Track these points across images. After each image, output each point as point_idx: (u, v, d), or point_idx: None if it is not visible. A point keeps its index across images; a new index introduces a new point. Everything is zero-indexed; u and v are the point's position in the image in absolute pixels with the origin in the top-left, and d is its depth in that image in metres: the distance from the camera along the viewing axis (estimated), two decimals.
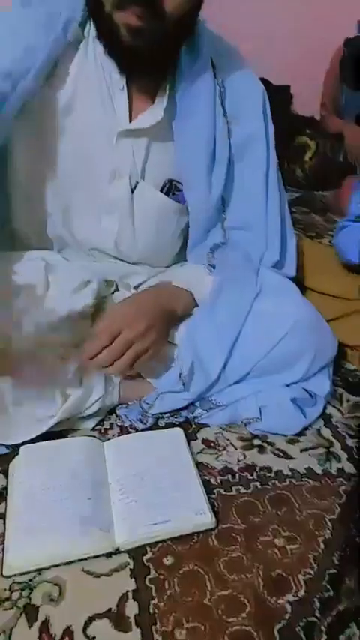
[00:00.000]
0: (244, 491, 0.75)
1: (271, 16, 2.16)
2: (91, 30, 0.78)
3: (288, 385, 0.86)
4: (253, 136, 0.86)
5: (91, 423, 0.84)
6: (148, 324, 0.77)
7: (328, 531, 0.70)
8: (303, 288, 1.10)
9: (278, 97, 2.16)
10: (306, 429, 0.87)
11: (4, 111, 0.73)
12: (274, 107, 2.21)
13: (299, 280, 1.09)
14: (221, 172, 0.84)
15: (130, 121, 0.81)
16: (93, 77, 0.79)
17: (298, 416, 0.85)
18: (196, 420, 0.86)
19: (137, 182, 0.85)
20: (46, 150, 0.82)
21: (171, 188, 0.87)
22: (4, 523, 0.67)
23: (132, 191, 0.85)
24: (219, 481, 0.77)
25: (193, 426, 0.86)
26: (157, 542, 0.67)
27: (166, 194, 0.87)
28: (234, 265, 0.88)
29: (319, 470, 0.80)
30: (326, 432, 0.87)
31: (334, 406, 0.93)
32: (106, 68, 0.77)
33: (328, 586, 0.63)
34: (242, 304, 0.83)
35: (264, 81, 2.27)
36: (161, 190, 0.87)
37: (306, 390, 0.87)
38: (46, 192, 0.86)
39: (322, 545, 0.68)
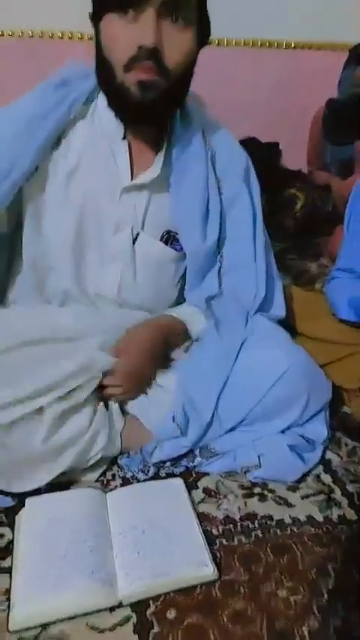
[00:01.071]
0: (246, 540, 0.76)
1: (259, 82, 2.31)
2: (96, 103, 0.89)
3: (284, 431, 0.88)
4: (239, 193, 0.95)
5: (94, 475, 0.85)
6: (143, 367, 0.87)
7: (331, 580, 0.70)
8: (295, 334, 1.13)
9: (268, 152, 2.27)
10: (306, 475, 0.88)
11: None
12: (264, 162, 2.32)
13: (291, 326, 1.12)
14: (215, 223, 0.93)
15: (132, 179, 0.89)
16: (98, 143, 0.89)
17: (297, 462, 0.86)
18: (196, 469, 0.87)
19: (138, 233, 0.93)
20: (53, 208, 0.90)
21: (169, 238, 0.94)
22: (10, 578, 0.67)
23: (133, 241, 0.93)
24: (220, 531, 0.77)
25: (194, 475, 0.87)
26: (159, 595, 0.67)
27: (165, 243, 0.94)
28: (225, 309, 0.94)
29: (320, 517, 0.80)
30: (326, 478, 0.88)
31: (333, 451, 0.94)
32: (110, 135, 0.88)
33: (334, 637, 0.63)
34: (231, 346, 0.87)
35: (254, 139, 2.40)
36: (160, 240, 0.94)
37: (303, 436, 0.88)
38: (55, 248, 0.92)
39: (326, 595, 0.68)
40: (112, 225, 0.91)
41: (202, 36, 0.82)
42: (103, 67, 0.81)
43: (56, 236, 0.92)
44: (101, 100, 0.88)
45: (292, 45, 2.31)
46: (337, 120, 1.90)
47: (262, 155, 2.17)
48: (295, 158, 2.28)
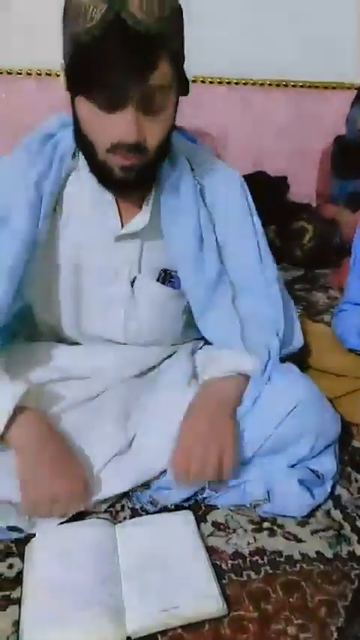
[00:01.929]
0: (255, 576, 0.75)
1: (268, 119, 2.38)
2: (79, 157, 0.88)
3: (293, 466, 0.88)
4: (236, 222, 0.96)
5: (103, 506, 0.85)
6: (218, 439, 0.82)
7: (341, 619, 0.69)
8: (306, 367, 1.13)
9: (276, 186, 2.33)
10: (315, 510, 0.88)
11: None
12: (273, 195, 2.37)
13: (302, 359, 1.13)
14: (212, 256, 0.93)
15: (122, 226, 0.90)
16: (85, 196, 0.89)
17: (306, 497, 0.86)
18: (205, 501, 0.87)
19: (135, 276, 0.94)
20: (51, 260, 0.92)
21: (166, 276, 0.96)
22: (19, 609, 0.68)
23: (132, 284, 0.94)
24: (229, 565, 0.77)
25: (203, 508, 0.87)
26: (167, 630, 0.66)
27: (163, 282, 0.96)
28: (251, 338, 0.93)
29: (329, 554, 0.80)
30: (336, 514, 0.88)
31: (342, 486, 0.93)
32: (96, 187, 0.87)
33: None
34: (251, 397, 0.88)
35: (263, 173, 2.46)
36: (157, 280, 0.95)
37: (312, 471, 0.88)
38: (58, 298, 0.95)
39: (335, 634, 0.67)
40: (108, 273, 0.93)
41: (181, 92, 0.80)
42: (83, 141, 0.80)
43: (53, 290, 0.94)
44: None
45: (300, 84, 2.38)
46: (346, 156, 1.95)
47: (271, 189, 2.23)
48: (303, 192, 2.34)
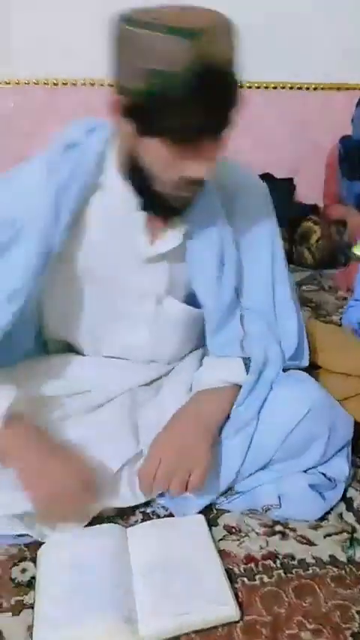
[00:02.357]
0: (268, 580, 0.75)
1: (274, 121, 2.37)
2: (105, 172, 0.83)
3: (306, 471, 0.88)
4: (257, 236, 0.92)
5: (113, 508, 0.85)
6: (190, 457, 0.80)
7: (356, 624, 0.68)
8: (316, 368, 1.13)
9: (283, 188, 2.32)
10: (328, 513, 0.87)
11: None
12: (280, 197, 2.36)
13: (313, 361, 1.12)
14: (229, 280, 0.90)
15: (151, 245, 0.87)
16: (113, 215, 0.85)
17: (318, 501, 0.86)
18: (216, 506, 0.87)
19: (162, 297, 0.92)
20: (74, 278, 0.89)
21: (192, 298, 0.93)
22: (33, 614, 0.68)
23: (158, 304, 0.92)
24: (242, 569, 0.77)
25: (215, 511, 0.87)
26: (180, 635, 0.66)
27: (188, 304, 0.93)
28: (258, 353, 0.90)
29: (342, 557, 0.79)
30: (349, 517, 0.87)
31: (355, 489, 0.93)
32: (125, 206, 0.82)
33: None
34: (256, 406, 0.87)
35: (269, 175, 2.45)
36: (184, 301, 0.93)
37: (324, 474, 0.88)
38: (80, 317, 0.93)
39: (350, 639, 0.66)
40: (136, 293, 0.91)
41: None
42: (139, 174, 0.76)
43: (75, 309, 0.91)
44: (110, 167, 0.82)
45: (305, 86, 2.38)
46: (352, 157, 1.94)
47: (277, 191, 2.22)
48: (310, 193, 2.33)
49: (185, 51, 0.62)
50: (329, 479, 0.88)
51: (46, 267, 0.82)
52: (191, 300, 0.93)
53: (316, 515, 0.86)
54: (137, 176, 0.77)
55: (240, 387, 0.89)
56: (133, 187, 0.80)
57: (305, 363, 0.98)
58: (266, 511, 0.86)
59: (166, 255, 0.88)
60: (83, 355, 1.00)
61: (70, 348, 1.00)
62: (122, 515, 0.85)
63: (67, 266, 0.87)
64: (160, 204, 0.79)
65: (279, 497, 0.85)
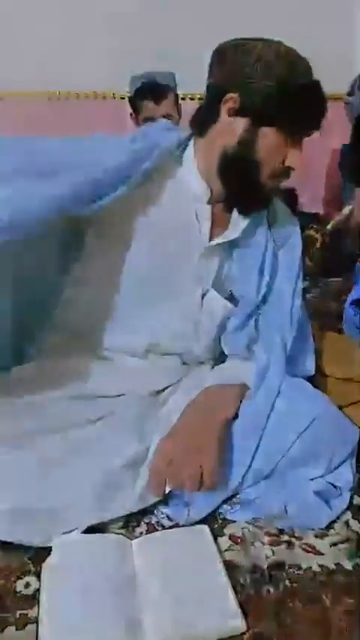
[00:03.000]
0: (274, 590, 0.74)
1: None
2: (181, 163, 0.94)
3: (312, 479, 0.87)
4: (287, 262, 1.02)
5: (119, 522, 0.85)
6: (200, 454, 0.82)
7: None
8: (320, 375, 1.13)
9: (285, 197, 2.33)
10: (334, 521, 0.87)
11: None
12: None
13: (318, 368, 1.13)
14: (265, 283, 0.99)
15: (210, 239, 0.96)
16: (182, 204, 0.95)
17: (324, 509, 0.85)
18: (221, 516, 0.87)
19: (208, 290, 0.99)
20: (126, 256, 0.94)
21: (232, 294, 1.00)
22: (37, 629, 0.67)
23: (202, 297, 0.99)
24: (248, 580, 0.76)
25: (220, 522, 0.86)
26: None
27: (229, 300, 1.00)
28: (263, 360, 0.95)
29: (349, 565, 0.78)
30: (355, 524, 0.86)
31: None
32: (196, 197, 0.94)
33: None
34: (264, 411, 0.88)
35: None
36: (225, 297, 1.00)
37: (329, 482, 0.87)
38: (118, 301, 0.97)
39: None
40: (186, 282, 0.97)
41: None
42: (248, 164, 0.89)
43: (114, 294, 0.96)
44: (188, 161, 0.94)
45: None
46: (353, 163, 1.95)
47: (280, 200, 2.24)
48: (312, 202, 2.34)
49: (297, 65, 0.87)
50: (334, 486, 0.88)
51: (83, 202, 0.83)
52: (236, 301, 1.00)
53: (323, 523, 0.85)
54: (246, 170, 0.89)
55: (248, 388, 0.92)
56: (226, 179, 0.91)
57: (311, 371, 1.01)
58: (272, 520, 0.85)
59: (221, 248, 0.97)
60: (86, 351, 1.01)
61: (72, 345, 1.01)
62: (127, 528, 0.85)
63: (116, 246, 0.93)
64: (253, 195, 0.92)
65: (285, 507, 0.85)
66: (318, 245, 2.15)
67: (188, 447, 0.82)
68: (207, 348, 1.04)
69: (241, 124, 0.87)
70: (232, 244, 0.98)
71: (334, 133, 2.07)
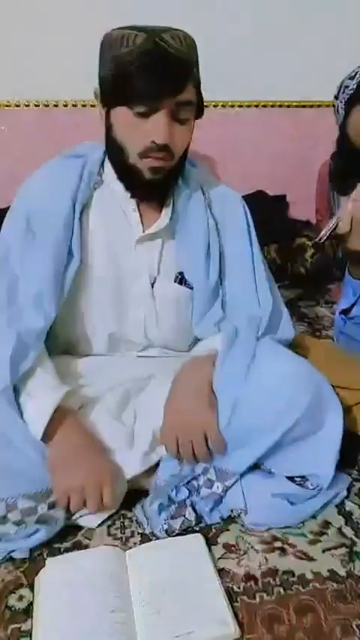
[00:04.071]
0: (268, 598, 0.75)
1: (266, 138, 2.42)
2: (104, 169, 1.00)
3: (290, 478, 0.89)
4: (235, 232, 1.05)
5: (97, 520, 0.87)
6: (201, 422, 0.87)
7: (356, 638, 0.68)
8: None
9: (276, 205, 2.35)
10: (327, 527, 0.87)
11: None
12: (273, 214, 2.38)
13: None
14: (215, 262, 1.02)
15: (144, 231, 1.00)
16: (110, 204, 1.00)
17: (286, 509, 0.87)
18: (197, 511, 0.87)
19: (155, 278, 1.02)
20: (84, 269, 0.98)
21: (182, 278, 1.03)
22: None
23: (152, 285, 1.02)
24: (242, 588, 0.76)
25: (214, 530, 0.87)
26: None
27: (179, 284, 1.03)
28: (233, 331, 0.97)
29: (342, 571, 0.79)
30: (347, 531, 0.87)
31: (354, 502, 0.93)
32: (120, 195, 0.98)
33: None
34: (240, 370, 0.90)
35: (262, 192, 2.48)
36: (175, 281, 1.03)
37: (302, 484, 0.89)
38: (83, 305, 1.01)
39: None
40: (130, 274, 1.01)
41: (198, 113, 0.93)
42: (115, 148, 0.91)
43: (79, 299, 1.00)
44: (108, 165, 0.99)
45: (295, 104, 2.43)
46: (341, 170, 1.97)
47: (270, 207, 2.25)
48: (303, 209, 2.36)
49: (140, 37, 0.83)
50: (309, 483, 0.89)
51: (66, 267, 0.95)
52: (190, 284, 1.03)
53: (287, 522, 0.87)
54: (114, 151, 0.92)
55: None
56: (115, 169, 0.95)
57: (290, 336, 1.04)
58: (237, 516, 0.87)
59: (158, 237, 1.01)
60: (75, 354, 1.06)
61: (64, 347, 1.06)
62: (121, 538, 0.85)
63: (74, 260, 0.96)
64: (137, 179, 0.92)
65: (245, 503, 0.86)
66: (310, 253, 2.16)
67: (189, 425, 0.87)
68: (175, 335, 1.07)
69: (103, 112, 0.92)
70: (172, 231, 1.01)
71: (330, 139, 2.10)
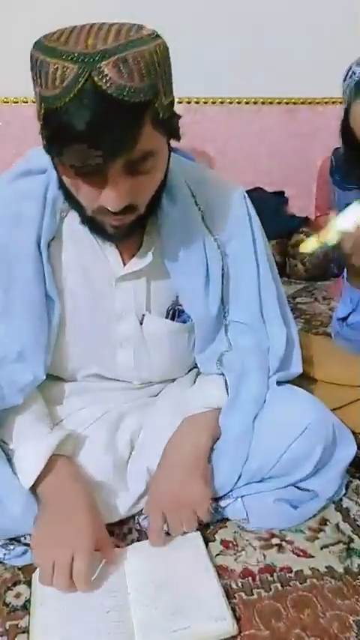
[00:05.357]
0: (265, 594, 0.75)
1: (263, 136, 2.41)
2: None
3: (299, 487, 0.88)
4: (239, 247, 0.91)
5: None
6: (190, 499, 0.81)
7: (354, 633, 0.68)
8: (311, 380, 1.14)
9: (274, 201, 2.35)
10: (324, 524, 0.87)
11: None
12: (272, 211, 2.38)
13: (306, 372, 1.13)
14: (215, 290, 0.90)
15: (125, 265, 0.86)
16: (84, 238, 0.84)
17: (287, 513, 0.86)
18: None
19: (144, 315, 0.91)
20: (63, 301, 0.88)
21: (175, 312, 0.92)
22: (28, 638, 0.67)
23: (141, 323, 0.91)
24: (239, 584, 0.76)
25: (211, 527, 0.87)
26: None
27: (172, 318, 0.92)
28: (241, 366, 0.90)
29: (340, 568, 0.79)
30: (345, 527, 0.87)
31: (351, 499, 0.93)
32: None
33: None
34: (248, 421, 0.86)
35: (260, 189, 2.48)
36: (167, 316, 0.92)
37: (299, 487, 0.88)
38: (65, 344, 0.91)
39: None
40: (114, 313, 0.90)
41: (172, 136, 0.73)
42: (69, 196, 0.75)
43: (60, 337, 0.90)
44: None
45: (293, 101, 2.42)
46: (342, 168, 1.96)
47: (269, 204, 2.25)
48: (302, 206, 2.36)
49: (70, 71, 0.59)
50: (307, 490, 0.88)
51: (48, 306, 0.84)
52: (184, 317, 0.92)
53: (290, 525, 0.86)
54: (71, 202, 0.76)
55: None
56: (78, 214, 0.78)
57: (297, 370, 0.97)
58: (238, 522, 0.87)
59: (141, 273, 0.88)
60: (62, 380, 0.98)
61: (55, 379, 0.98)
62: (119, 534, 0.85)
63: (56, 306, 0.86)
64: (99, 230, 0.77)
65: (246, 513, 0.86)
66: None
67: (179, 499, 0.81)
68: (169, 369, 0.99)
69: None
70: (160, 262, 0.87)
71: (329, 136, 2.10)
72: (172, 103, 0.69)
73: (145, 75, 0.62)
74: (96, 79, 0.59)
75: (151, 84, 0.63)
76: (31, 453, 0.80)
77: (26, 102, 2.14)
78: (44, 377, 0.87)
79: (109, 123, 0.61)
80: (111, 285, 0.88)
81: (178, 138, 0.73)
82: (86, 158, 0.63)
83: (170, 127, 0.70)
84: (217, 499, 0.86)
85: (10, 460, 0.81)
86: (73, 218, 0.83)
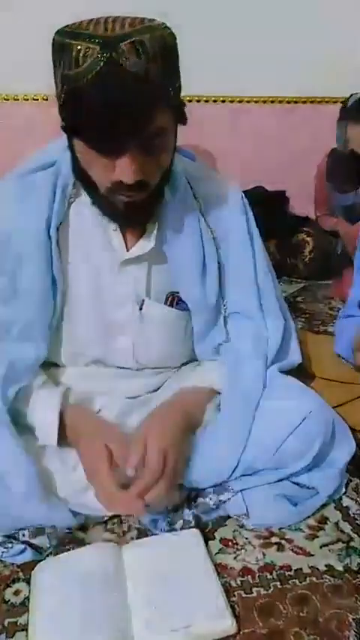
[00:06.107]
0: (265, 592, 0.75)
1: (266, 134, 2.41)
2: (81, 188, 0.86)
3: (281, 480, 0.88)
4: (236, 242, 0.95)
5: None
6: (173, 440, 0.82)
7: (353, 632, 0.68)
8: (310, 377, 1.14)
9: (275, 201, 2.35)
10: (324, 522, 0.87)
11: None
12: (273, 210, 2.38)
13: (306, 369, 1.13)
14: (212, 280, 0.93)
15: (128, 251, 0.89)
16: (88, 222, 0.88)
17: (287, 509, 0.86)
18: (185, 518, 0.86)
19: (143, 300, 0.93)
20: (66, 285, 0.91)
21: (174, 299, 0.94)
22: (27, 636, 0.67)
23: (140, 309, 0.93)
24: (239, 582, 0.76)
25: (210, 525, 0.87)
26: None
27: (170, 305, 0.94)
28: (238, 356, 0.93)
29: (339, 566, 0.79)
30: (344, 526, 0.87)
31: (351, 498, 0.93)
32: (98, 213, 0.84)
33: None
34: (248, 411, 0.87)
35: (261, 188, 2.48)
36: (165, 303, 0.94)
37: (297, 483, 0.88)
38: (66, 327, 0.93)
39: None
40: (115, 298, 0.92)
41: (180, 121, 0.78)
42: (83, 176, 0.79)
43: (63, 320, 0.92)
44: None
45: (294, 100, 2.42)
46: (338, 169, 1.96)
47: (270, 203, 2.25)
48: (302, 205, 2.36)
49: (92, 51, 0.65)
50: (307, 487, 0.89)
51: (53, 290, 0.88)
52: (183, 305, 0.95)
53: (290, 522, 0.86)
54: (83, 181, 0.81)
55: (217, 392, 0.92)
56: (89, 196, 0.83)
57: (296, 358, 0.99)
58: (238, 519, 0.87)
59: (143, 258, 0.91)
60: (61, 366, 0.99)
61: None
62: (118, 533, 0.85)
63: (60, 288, 0.89)
64: (112, 210, 0.81)
65: (246, 508, 0.86)
66: (309, 249, 2.16)
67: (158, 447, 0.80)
68: (167, 357, 1.00)
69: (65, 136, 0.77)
70: (161, 249, 0.90)
71: (329, 135, 2.10)
72: (180, 88, 0.75)
73: (160, 56, 0.68)
74: (117, 58, 0.65)
75: (166, 65, 0.69)
76: (46, 397, 0.87)
77: (17, 100, 2.14)
78: (45, 354, 0.90)
79: (129, 99, 0.66)
80: (114, 269, 0.91)
81: (184, 121, 0.78)
82: (106, 132, 0.68)
83: (179, 108, 0.76)
84: (216, 493, 0.86)
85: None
86: (79, 204, 0.88)
